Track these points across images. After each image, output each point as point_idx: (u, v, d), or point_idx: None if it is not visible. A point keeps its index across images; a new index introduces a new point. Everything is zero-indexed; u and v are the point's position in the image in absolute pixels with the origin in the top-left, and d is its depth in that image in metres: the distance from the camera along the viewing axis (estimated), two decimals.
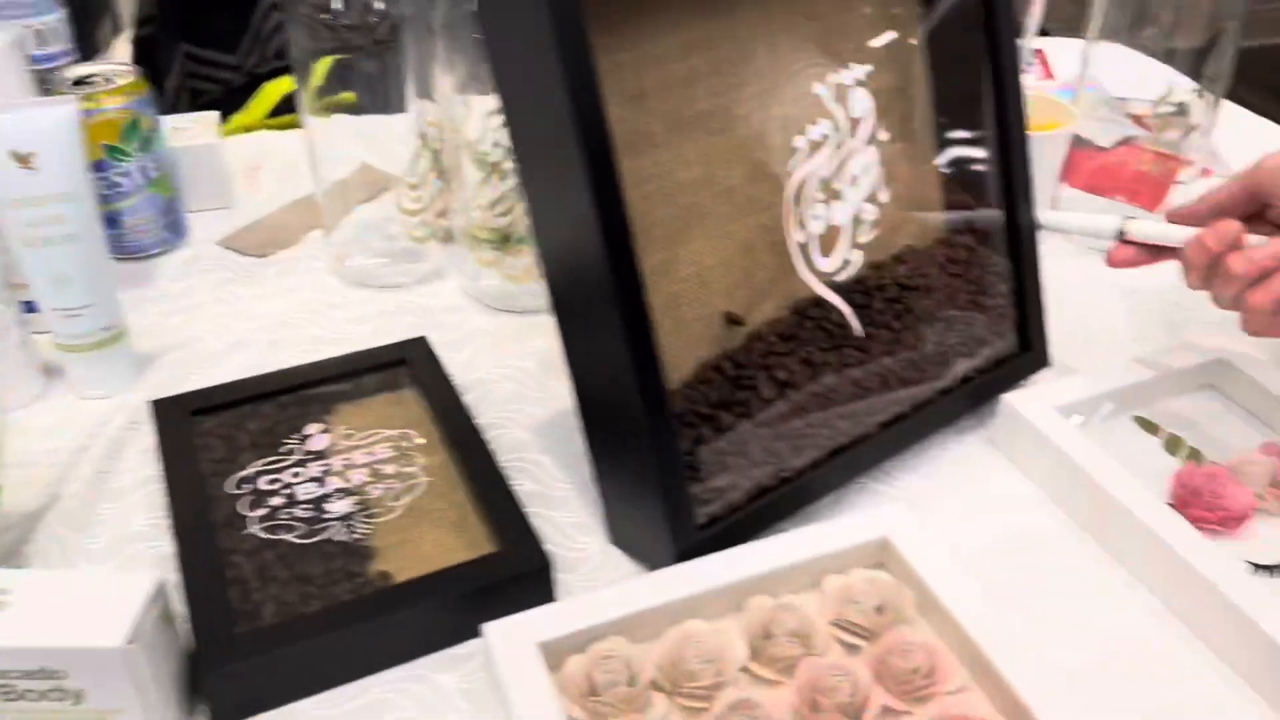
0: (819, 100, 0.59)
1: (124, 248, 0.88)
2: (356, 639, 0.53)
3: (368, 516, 0.60)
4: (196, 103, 1.32)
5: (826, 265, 0.62)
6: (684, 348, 0.60)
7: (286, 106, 1.16)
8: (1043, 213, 0.69)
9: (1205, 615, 0.55)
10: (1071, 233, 0.70)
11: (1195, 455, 0.66)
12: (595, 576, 0.60)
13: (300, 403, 0.69)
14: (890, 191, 0.65)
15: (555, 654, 0.52)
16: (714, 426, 0.58)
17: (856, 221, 0.63)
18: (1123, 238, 0.64)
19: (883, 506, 0.59)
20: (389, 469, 0.63)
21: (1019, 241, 0.69)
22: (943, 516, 0.64)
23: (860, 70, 0.60)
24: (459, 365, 0.76)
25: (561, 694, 0.51)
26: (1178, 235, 0.63)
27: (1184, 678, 0.54)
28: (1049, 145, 0.83)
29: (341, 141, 0.80)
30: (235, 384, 0.69)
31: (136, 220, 0.87)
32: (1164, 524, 0.57)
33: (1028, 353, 0.71)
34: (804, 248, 0.60)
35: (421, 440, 0.66)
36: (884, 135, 0.62)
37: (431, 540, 0.60)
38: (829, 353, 0.62)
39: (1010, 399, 0.67)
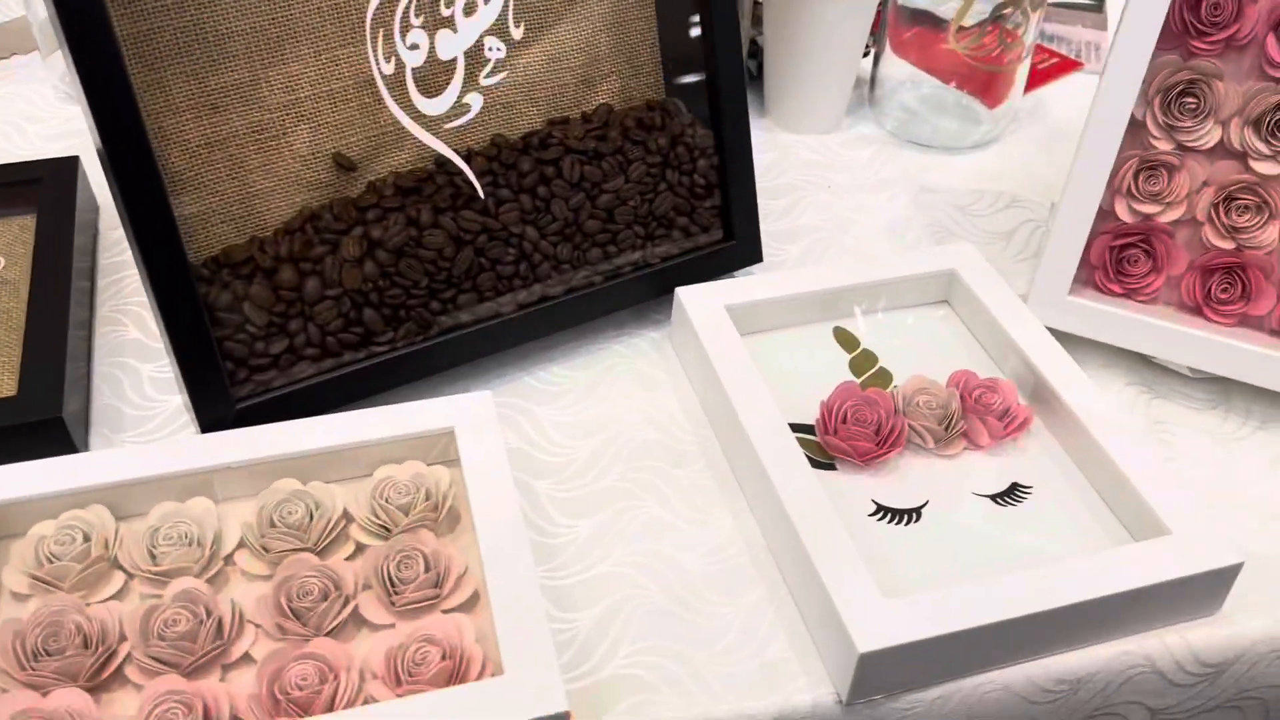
0: None
1: None
2: None
3: None
4: None
5: (431, 107, 0.53)
6: (280, 189, 0.52)
7: None
8: None
9: (787, 558, 0.48)
10: None
11: (883, 377, 0.57)
12: (151, 437, 0.54)
13: None
14: (524, 28, 0.54)
15: (24, 517, 0.46)
16: (271, 284, 0.51)
17: (478, 60, 0.53)
18: None
19: (460, 396, 0.51)
20: None
21: (721, 113, 0.59)
22: (580, 414, 0.56)
23: None
24: None
25: (8, 564, 0.45)
26: None
27: (749, 628, 0.47)
28: (844, 10, 0.72)
29: None
30: None
31: None
32: (772, 450, 0.49)
33: (731, 243, 0.62)
34: (392, 81, 0.51)
35: (8, 267, 0.59)
36: None
37: None
38: (443, 214, 0.54)
39: (682, 293, 0.58)
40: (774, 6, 0.73)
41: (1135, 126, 0.57)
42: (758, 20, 0.79)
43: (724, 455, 0.54)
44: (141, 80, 0.47)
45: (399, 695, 0.41)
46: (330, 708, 0.40)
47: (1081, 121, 0.57)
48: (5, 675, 0.41)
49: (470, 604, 0.45)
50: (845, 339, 0.59)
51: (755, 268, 0.64)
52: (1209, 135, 0.56)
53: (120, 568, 0.46)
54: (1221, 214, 0.57)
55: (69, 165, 0.65)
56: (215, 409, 0.50)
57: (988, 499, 0.51)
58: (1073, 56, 0.89)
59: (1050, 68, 0.87)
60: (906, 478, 0.52)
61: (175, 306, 0.48)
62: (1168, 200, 0.58)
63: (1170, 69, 0.56)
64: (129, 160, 0.46)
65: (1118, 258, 0.59)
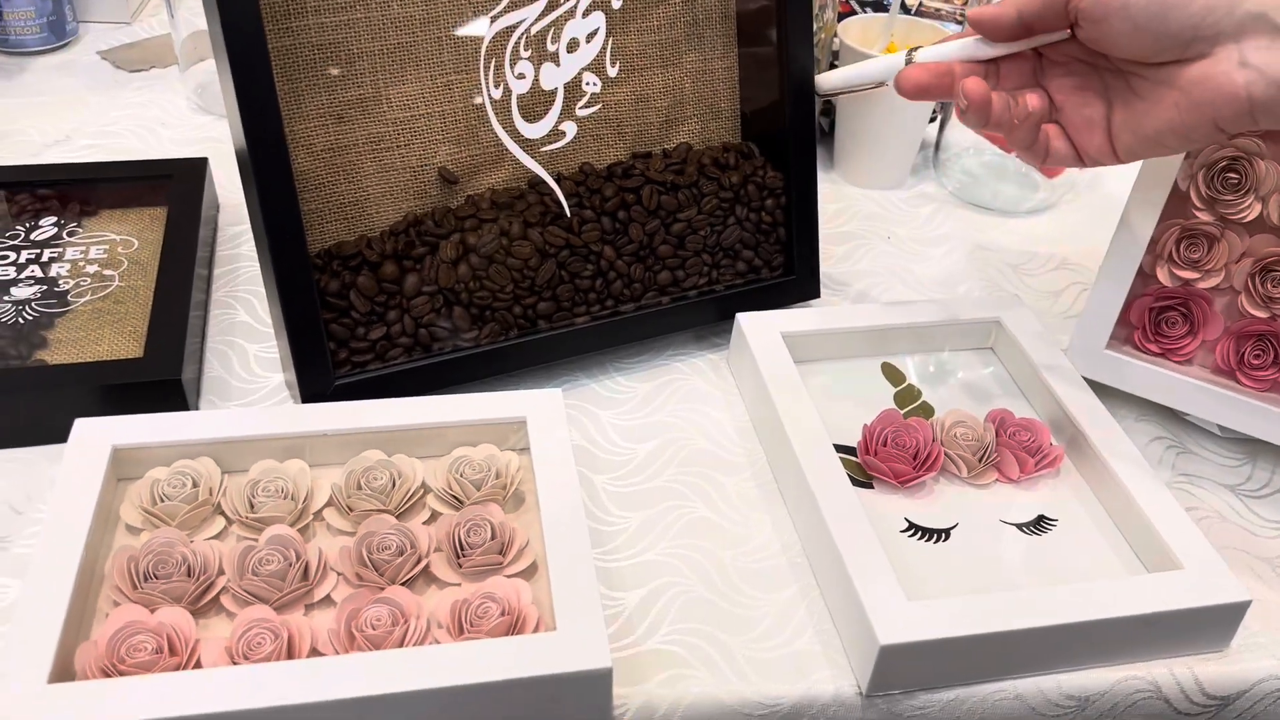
0: None
1: (3, 40, 0.90)
2: None
3: (48, 306, 0.60)
4: None
5: (531, 130, 0.58)
6: (388, 195, 0.58)
7: None
8: (818, 78, 0.63)
9: (821, 561, 0.52)
10: (859, 87, 0.61)
11: (925, 410, 0.61)
12: (254, 407, 0.60)
13: (61, 198, 0.69)
14: (620, 68, 0.60)
15: (140, 463, 0.52)
16: (376, 276, 0.56)
17: (576, 92, 0.59)
18: (911, 63, 0.55)
19: (534, 390, 0.56)
20: (91, 268, 0.63)
21: (790, 158, 0.64)
22: (639, 420, 0.61)
23: None
24: None
25: (126, 500, 0.51)
26: (971, 53, 0.53)
27: (781, 620, 0.51)
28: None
29: None
30: (0, 169, 0.70)
31: (16, 14, 0.89)
32: (815, 464, 0.53)
33: (791, 277, 0.67)
34: (499, 105, 0.57)
35: (140, 249, 0.65)
36: (617, 3, 0.58)
37: (109, 342, 0.60)
38: (532, 228, 0.59)
39: (742, 318, 0.63)
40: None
41: (1179, 196, 0.61)
42: None
43: (769, 467, 0.58)
44: (281, 89, 0.54)
45: (460, 642, 0.45)
46: (400, 646, 0.45)
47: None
48: (119, 591, 0.46)
49: (529, 573, 0.50)
50: (892, 374, 0.64)
51: (812, 303, 0.68)
52: (1249, 209, 0.60)
53: (222, 513, 0.51)
54: (1258, 284, 0.61)
55: (199, 165, 0.72)
56: (317, 383, 0.55)
57: (1014, 527, 0.55)
58: None
59: None
60: (939, 501, 0.56)
61: (292, 288, 0.54)
62: (1207, 268, 0.61)
63: (1215, 145, 0.60)
64: (268, 157, 0.52)
65: (1156, 319, 0.63)
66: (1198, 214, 0.61)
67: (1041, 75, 0.53)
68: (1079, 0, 0.48)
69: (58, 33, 0.92)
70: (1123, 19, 0.47)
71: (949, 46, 0.54)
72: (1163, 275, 0.62)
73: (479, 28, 0.56)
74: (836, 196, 0.82)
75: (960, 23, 1.06)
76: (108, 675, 0.43)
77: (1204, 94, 0.47)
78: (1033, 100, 0.51)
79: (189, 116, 0.85)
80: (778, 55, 0.63)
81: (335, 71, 0.55)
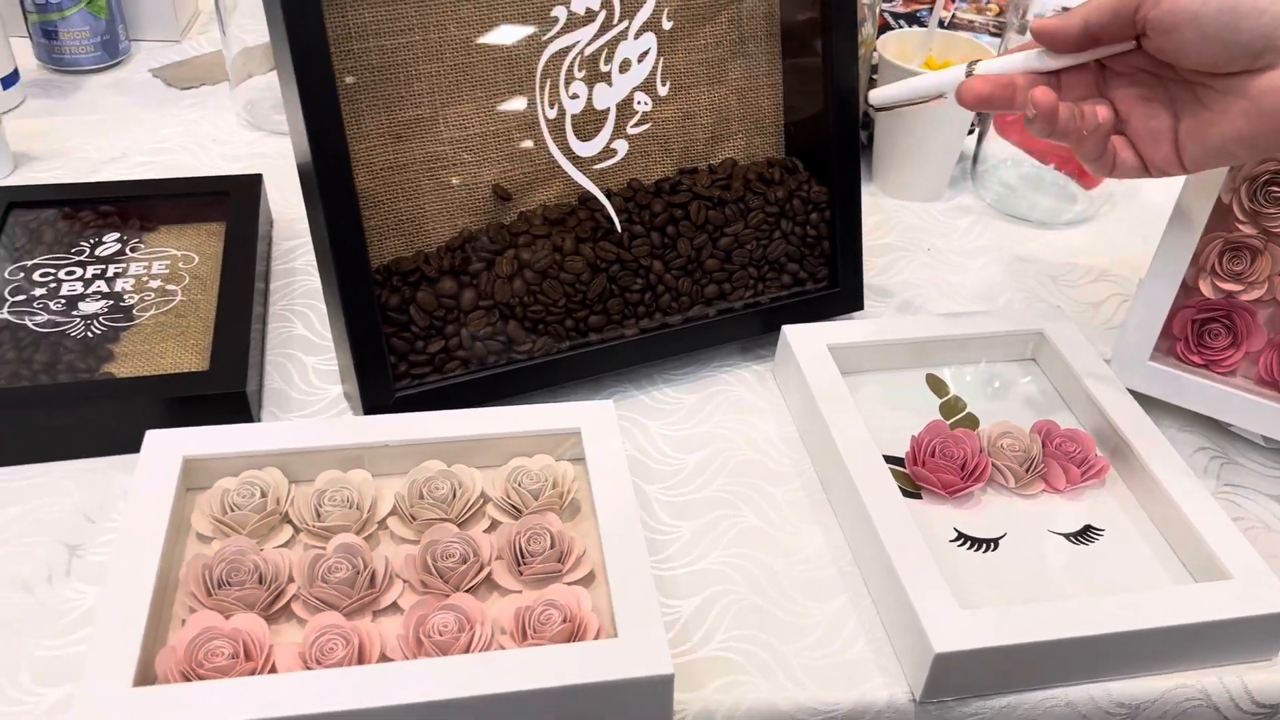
0: None
1: (59, 59, 0.92)
2: (33, 421, 0.56)
3: (114, 320, 0.62)
4: None
5: (584, 149, 0.60)
6: (445, 212, 0.60)
7: None
8: (872, 93, 0.61)
9: (873, 570, 0.53)
10: (916, 100, 0.59)
11: (970, 421, 0.62)
12: (312, 419, 0.61)
13: (121, 214, 0.71)
14: (670, 86, 0.62)
15: (209, 473, 0.54)
16: (434, 292, 0.58)
17: (628, 111, 0.60)
18: (972, 75, 0.55)
19: (587, 402, 0.57)
20: (154, 283, 0.65)
21: (834, 173, 0.65)
22: (687, 431, 0.62)
23: None
24: (301, 211, 0.77)
25: (196, 509, 0.53)
26: (1034, 65, 0.53)
27: (833, 629, 0.52)
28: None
29: None
30: (63, 186, 0.72)
31: (71, 34, 0.91)
32: (865, 475, 0.55)
33: (835, 290, 0.68)
34: (554, 125, 0.59)
35: (200, 264, 0.67)
36: (668, 24, 0.60)
37: (172, 355, 0.62)
38: (585, 244, 0.61)
39: (788, 330, 0.64)
40: (888, 82, 0.80)
41: (1222, 210, 0.61)
42: None
43: (817, 477, 0.59)
44: (344, 110, 0.56)
45: (525, 648, 0.47)
46: (466, 651, 0.46)
47: (1173, 206, 0.62)
48: (194, 598, 0.48)
49: (588, 580, 0.51)
50: (937, 385, 0.65)
51: (855, 315, 0.69)
52: None
53: (290, 522, 0.53)
54: None
55: (254, 182, 0.74)
56: (378, 396, 0.57)
57: (1062, 536, 0.55)
58: None
59: None
60: (987, 511, 0.57)
61: (355, 304, 0.55)
62: (1250, 280, 0.62)
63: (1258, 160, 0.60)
64: (332, 176, 0.54)
65: (1199, 330, 0.63)
66: (1240, 227, 0.62)
67: (1105, 86, 0.54)
68: (1148, 10, 0.48)
69: (110, 51, 0.94)
70: (1193, 29, 0.47)
71: (1012, 59, 0.54)
72: (1205, 287, 0.63)
73: (534, 50, 0.58)
74: (876, 209, 0.83)
75: (995, 35, 1.07)
76: (187, 679, 0.44)
77: (1274, 103, 0.47)
78: (1103, 112, 0.51)
79: (239, 133, 0.87)
80: (822, 71, 0.64)
81: (351, 80, 0.56)
